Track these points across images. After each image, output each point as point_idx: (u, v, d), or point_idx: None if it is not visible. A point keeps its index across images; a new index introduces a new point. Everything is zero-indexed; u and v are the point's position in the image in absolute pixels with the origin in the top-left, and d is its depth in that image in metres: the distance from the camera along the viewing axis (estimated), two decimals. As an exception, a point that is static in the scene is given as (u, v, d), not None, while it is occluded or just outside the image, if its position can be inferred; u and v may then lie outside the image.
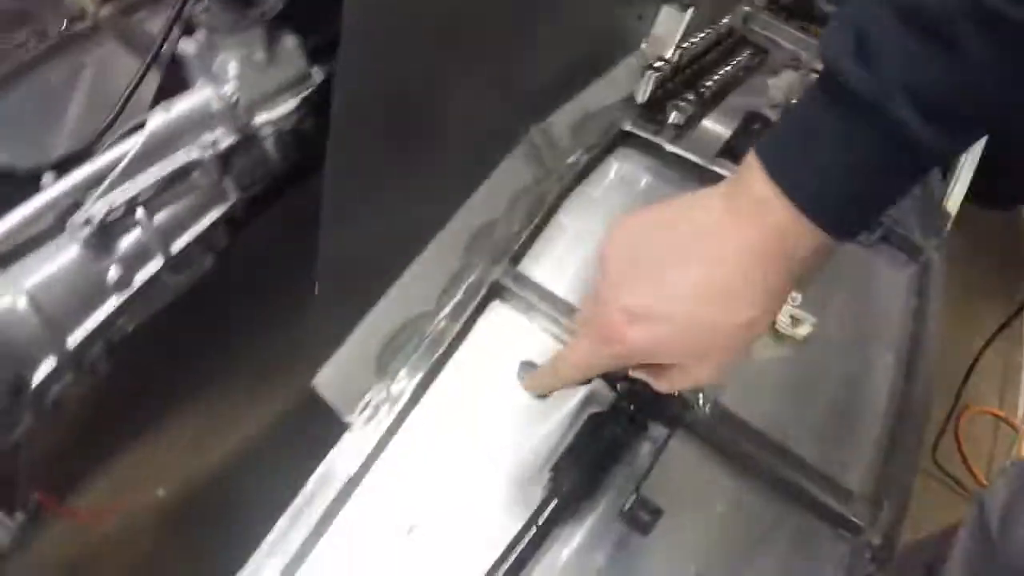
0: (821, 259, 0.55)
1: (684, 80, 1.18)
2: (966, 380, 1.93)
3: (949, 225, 1.22)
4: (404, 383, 0.80)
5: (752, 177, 0.53)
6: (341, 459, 0.76)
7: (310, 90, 0.96)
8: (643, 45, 1.18)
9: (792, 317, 0.95)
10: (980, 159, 1.25)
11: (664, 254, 0.56)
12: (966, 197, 1.25)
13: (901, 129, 0.47)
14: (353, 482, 0.75)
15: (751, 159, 0.54)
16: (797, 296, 0.98)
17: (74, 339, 0.89)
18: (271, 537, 0.71)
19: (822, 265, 0.57)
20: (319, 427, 0.78)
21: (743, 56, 1.31)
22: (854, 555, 0.83)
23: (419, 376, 0.81)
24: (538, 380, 0.70)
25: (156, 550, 1.27)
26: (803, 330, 0.95)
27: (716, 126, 1.18)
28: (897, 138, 0.48)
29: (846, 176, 0.51)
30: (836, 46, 0.49)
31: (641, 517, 0.71)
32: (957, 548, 1.03)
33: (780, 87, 1.31)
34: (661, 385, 0.63)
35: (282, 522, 0.71)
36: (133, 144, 0.87)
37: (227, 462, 1.38)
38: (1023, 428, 2.10)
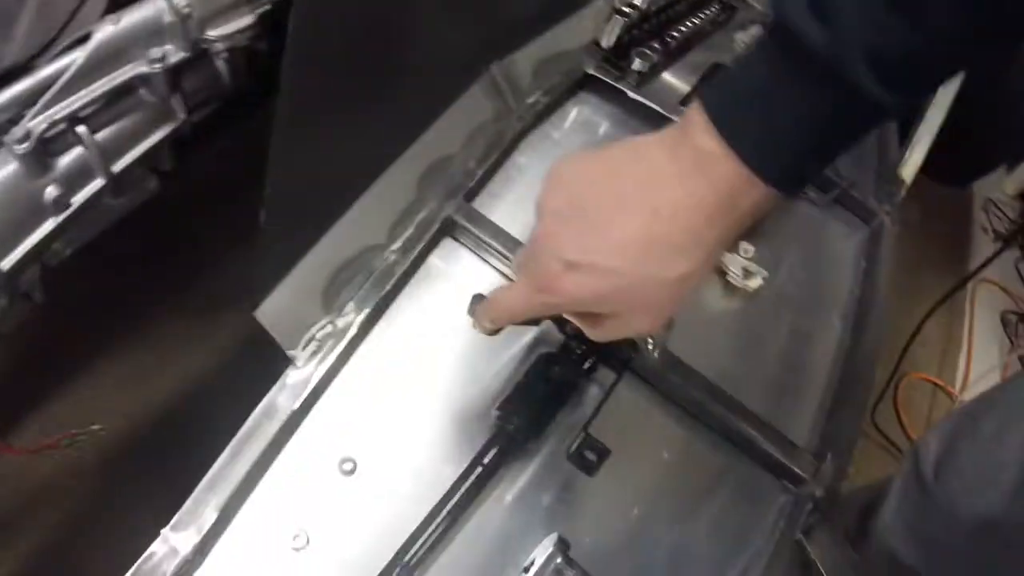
0: (762, 213, 0.54)
1: (651, 28, 1.16)
2: (907, 347, 1.97)
3: (903, 192, 1.23)
4: (351, 317, 0.79)
5: (696, 128, 0.52)
6: (283, 395, 0.74)
7: (267, 7, 0.92)
8: (612, -11, 1.15)
9: (744, 269, 0.95)
10: (939, 135, 1.25)
11: (603, 203, 0.55)
12: (922, 170, 1.26)
13: (856, 89, 0.46)
14: (296, 418, 0.74)
15: (695, 110, 0.53)
16: (750, 249, 0.98)
17: (7, 261, 0.85)
18: (211, 473, 0.69)
19: (763, 219, 0.56)
20: (266, 362, 0.75)
21: (712, 10, 1.29)
22: (796, 506, 0.84)
23: (366, 311, 0.79)
24: (478, 314, 0.68)
25: (97, 488, 1.25)
26: (754, 283, 0.95)
27: (679, 77, 1.16)
28: (851, 97, 0.47)
29: (794, 132, 0.50)
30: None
31: (587, 457, 0.71)
32: (892, 494, 1.06)
33: (746, 42, 1.29)
34: (595, 334, 0.62)
35: (223, 458, 0.70)
36: (77, 57, 0.82)
37: (171, 398, 1.35)
38: (959, 397, 2.15)
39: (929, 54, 0.46)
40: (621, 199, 0.54)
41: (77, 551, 1.19)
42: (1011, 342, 2.42)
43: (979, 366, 2.27)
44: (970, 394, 2.17)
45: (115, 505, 1.23)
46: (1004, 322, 2.48)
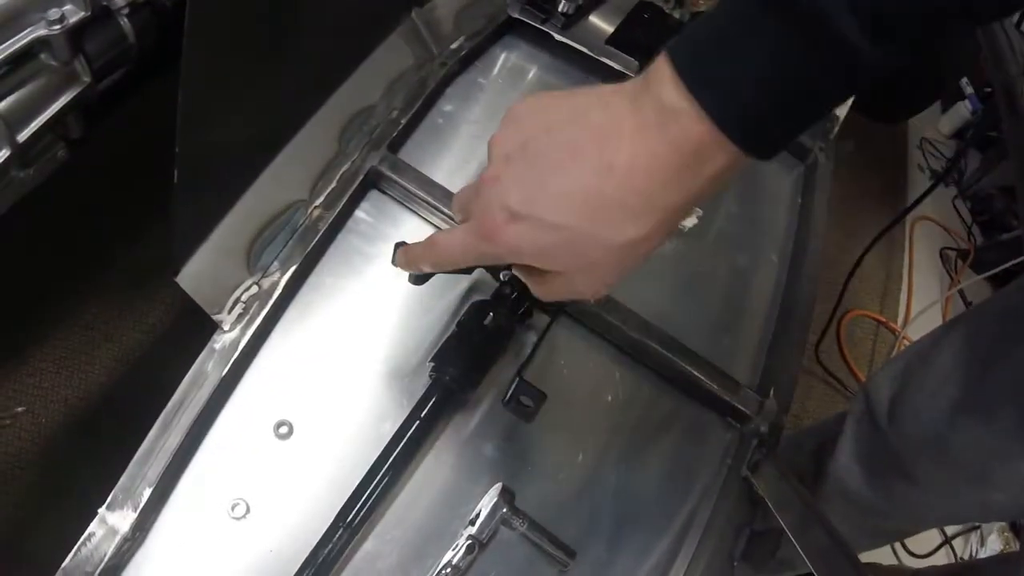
0: (729, 177, 0.50)
1: (576, -30, 1.13)
2: (847, 283, 1.99)
3: (837, 128, 1.23)
4: (276, 276, 0.76)
5: (662, 82, 0.47)
6: (212, 361, 0.71)
7: (168, -41, 0.88)
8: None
9: (680, 208, 0.94)
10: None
11: (555, 152, 0.51)
12: (856, 107, 1.26)
13: (842, 44, 0.43)
14: (226, 384, 0.72)
15: (662, 62, 0.48)
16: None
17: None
18: (143, 447, 0.67)
19: (728, 183, 0.52)
20: (202, 332, 0.73)
21: (639, -50, 1.27)
22: (742, 442, 0.84)
23: (292, 269, 0.77)
24: (410, 257, 0.65)
25: (36, 473, 1.21)
26: (689, 221, 0.94)
27: (605, 20, 1.14)
28: (836, 53, 0.43)
29: (771, 91, 0.46)
30: None
31: (524, 403, 0.69)
32: (846, 436, 1.07)
33: (672, -17, 1.28)
34: (538, 291, 0.58)
35: (153, 431, 0.67)
36: (-30, 24, 0.78)
37: (106, 377, 1.30)
38: (902, 332, 2.19)
39: (921, 3, 0.42)
40: (575, 150, 0.50)
41: (19, 537, 1.15)
42: (951, 277, 2.47)
43: (920, 302, 2.31)
44: (912, 330, 2.21)
45: (55, 489, 1.19)
46: (943, 258, 2.53)
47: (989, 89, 2.66)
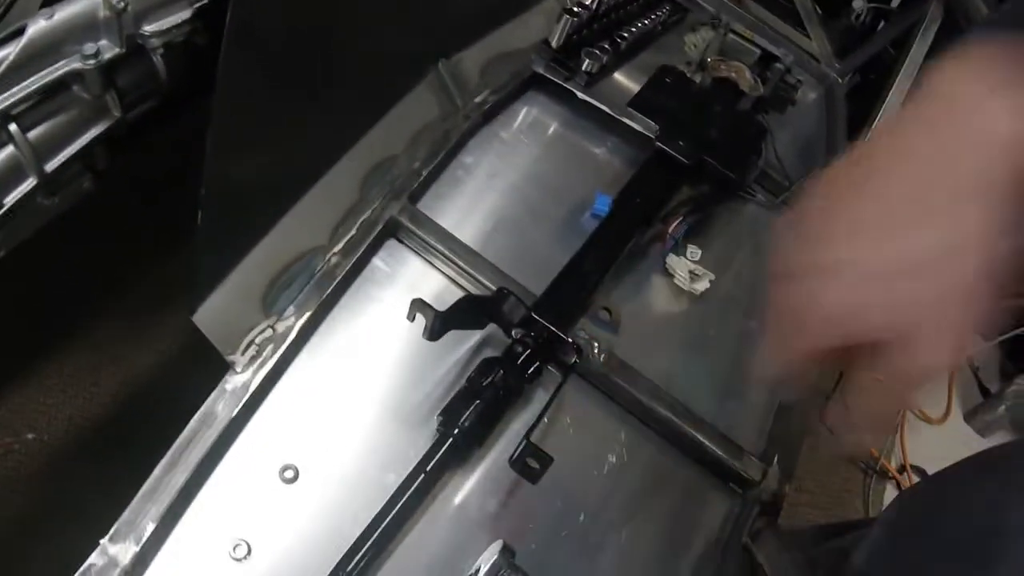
0: None
1: (601, 28, 1.15)
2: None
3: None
4: (291, 321, 0.77)
5: (982, 106, 0.44)
6: (222, 401, 0.72)
7: (205, 0, 0.90)
8: (562, -12, 1.15)
9: (691, 273, 0.95)
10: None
11: (890, 206, 0.47)
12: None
13: None
14: (235, 425, 0.72)
15: (968, 84, 0.44)
16: (697, 252, 0.98)
17: (-63, 264, 0.82)
18: (149, 482, 0.67)
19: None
20: (211, 364, 0.74)
21: (663, 11, 1.29)
22: (743, 509, 0.84)
23: (307, 314, 0.77)
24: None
25: (38, 497, 1.21)
26: (701, 286, 0.95)
27: (628, 78, 1.16)
28: None
29: None
30: None
31: (530, 465, 0.70)
32: (870, 539, 1.06)
33: (696, 44, 1.30)
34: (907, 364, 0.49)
35: (161, 466, 0.68)
36: (9, 52, 0.80)
37: (114, 403, 1.30)
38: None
39: None
40: (911, 199, 0.46)
41: (21, 563, 1.15)
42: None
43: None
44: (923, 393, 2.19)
45: (56, 515, 1.19)
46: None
47: None
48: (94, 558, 0.63)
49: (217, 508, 0.69)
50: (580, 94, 1.04)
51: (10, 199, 0.86)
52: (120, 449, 1.11)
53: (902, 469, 2.01)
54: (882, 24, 1.64)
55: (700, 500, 0.85)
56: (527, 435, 0.71)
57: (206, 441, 0.70)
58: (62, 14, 0.83)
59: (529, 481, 0.70)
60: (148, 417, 0.82)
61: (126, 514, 0.65)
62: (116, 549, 0.64)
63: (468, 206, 0.93)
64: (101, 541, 0.64)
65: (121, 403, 1.32)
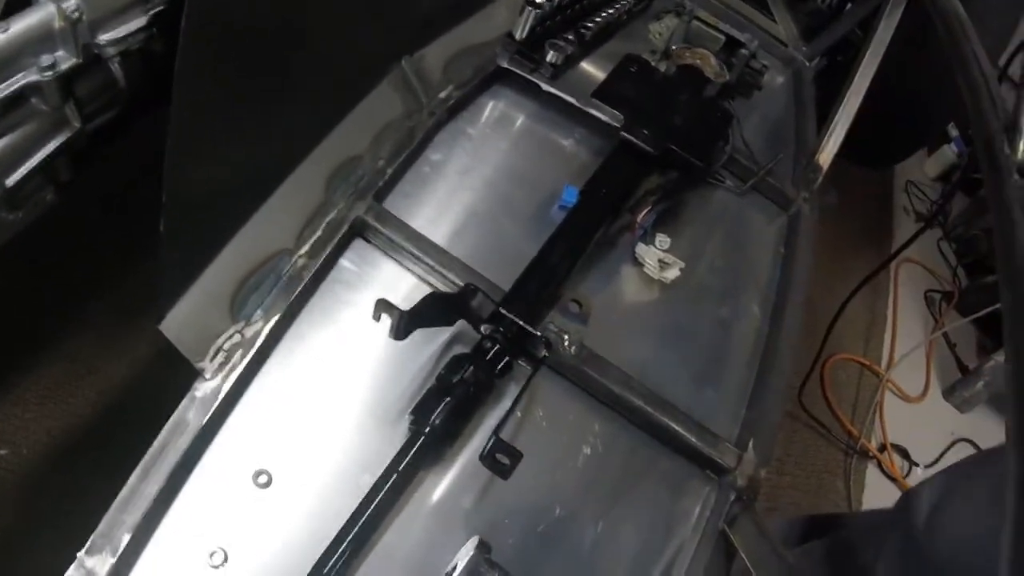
0: None
1: (565, 19, 1.15)
2: (832, 328, 2.00)
3: (821, 179, 1.24)
4: (259, 325, 0.76)
5: None
6: (193, 409, 0.72)
7: (161, 7, 0.89)
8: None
9: (661, 261, 0.95)
10: (860, 119, 1.26)
11: None
12: (844, 154, 1.27)
13: None
14: (206, 432, 0.72)
15: None
16: (667, 240, 0.98)
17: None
18: (123, 493, 0.67)
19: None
20: (187, 371, 0.73)
21: (627, 0, 1.29)
22: (720, 496, 0.85)
23: (275, 318, 0.77)
24: None
25: (11, 513, 1.20)
26: (671, 274, 0.95)
27: (595, 68, 1.16)
28: None
29: None
30: None
31: (500, 461, 0.70)
32: (886, 546, 1.06)
33: (661, 32, 1.30)
34: None
35: (134, 477, 0.67)
36: (-35, 67, 0.79)
37: (90, 412, 1.30)
38: (885, 375, 2.20)
39: None
40: None
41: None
42: (935, 320, 2.48)
43: (904, 344, 2.31)
44: (896, 373, 2.21)
45: (34, 529, 1.18)
46: (927, 300, 2.54)
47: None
48: (72, 572, 0.63)
49: (192, 516, 0.69)
50: (545, 86, 1.04)
51: (-29, 215, 0.85)
52: (99, 460, 1.10)
53: (882, 448, 2.04)
54: (848, 6, 1.65)
55: (676, 488, 0.85)
56: (496, 431, 0.71)
57: (178, 450, 0.69)
58: (17, 26, 0.82)
59: (500, 477, 0.70)
60: (127, 426, 0.81)
61: (101, 526, 0.65)
62: (93, 562, 0.63)
63: (436, 203, 0.93)
64: (78, 554, 0.63)
65: (99, 414, 1.31)
